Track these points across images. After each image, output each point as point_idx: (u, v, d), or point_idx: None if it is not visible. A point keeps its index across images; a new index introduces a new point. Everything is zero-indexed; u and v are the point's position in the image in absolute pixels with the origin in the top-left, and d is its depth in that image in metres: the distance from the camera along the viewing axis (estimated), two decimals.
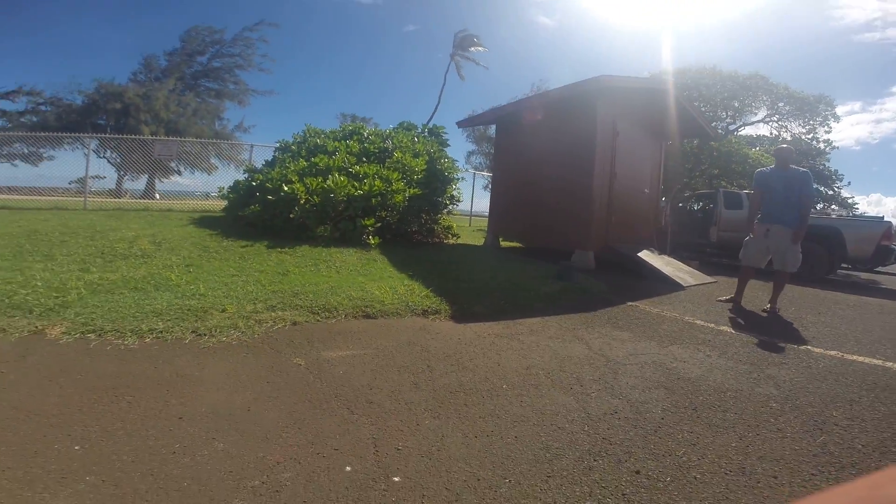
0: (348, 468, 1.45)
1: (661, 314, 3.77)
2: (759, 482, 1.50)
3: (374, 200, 5.89)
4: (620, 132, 6.16)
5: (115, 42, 43.02)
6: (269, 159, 8.44)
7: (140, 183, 17.67)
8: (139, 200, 11.87)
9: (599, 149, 5.85)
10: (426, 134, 8.69)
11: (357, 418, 1.76)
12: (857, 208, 23.01)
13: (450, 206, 7.67)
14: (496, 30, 69.32)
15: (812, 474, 1.56)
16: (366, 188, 5.90)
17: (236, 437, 1.58)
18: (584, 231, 5.78)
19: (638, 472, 1.53)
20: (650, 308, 3.96)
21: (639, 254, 5.77)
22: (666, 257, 6.25)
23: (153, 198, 13.36)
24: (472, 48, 30.84)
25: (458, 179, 7.72)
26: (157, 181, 17.15)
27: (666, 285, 5.00)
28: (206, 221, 6.89)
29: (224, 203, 7.85)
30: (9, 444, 1.48)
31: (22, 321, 2.57)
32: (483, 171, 20.93)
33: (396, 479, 1.42)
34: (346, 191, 5.80)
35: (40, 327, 2.51)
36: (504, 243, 7.55)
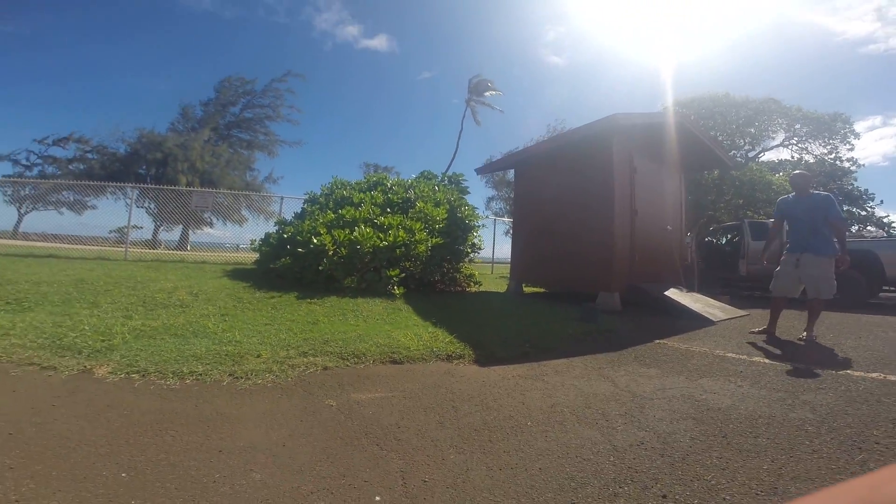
0: (377, 498, 1.51)
1: (690, 350, 3.70)
2: (792, 500, 1.47)
3: (398, 251, 6.10)
4: (638, 169, 6.23)
5: (155, 90, 47.81)
6: (298, 211, 8.81)
7: (174, 234, 18.53)
8: (174, 252, 12.38)
9: (618, 187, 5.91)
10: (446, 182, 8.94)
11: (386, 454, 1.82)
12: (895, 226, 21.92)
13: (471, 255, 7.79)
14: (509, 72, 73.14)
15: None
16: (390, 239, 6.13)
17: (273, 469, 1.67)
18: (608, 272, 5.75)
19: (665, 497, 1.52)
20: (678, 344, 3.90)
21: (666, 292, 5.69)
22: (695, 294, 6.13)
23: (186, 249, 13.91)
24: (487, 92, 31.41)
25: (478, 227, 7.84)
26: (190, 232, 17.98)
27: (695, 322, 4.89)
28: (238, 274, 7.21)
29: (255, 255, 8.22)
30: (60, 469, 1.61)
31: (71, 361, 2.79)
32: (504, 216, 21.13)
33: None
34: (372, 242, 6.04)
35: (88, 367, 2.71)
36: (528, 289, 7.55)
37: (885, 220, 22.02)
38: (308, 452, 1.81)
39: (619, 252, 5.80)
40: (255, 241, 8.24)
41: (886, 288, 7.65)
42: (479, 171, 10.17)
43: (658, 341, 4.02)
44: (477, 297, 6.57)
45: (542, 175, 7.11)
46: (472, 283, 7.50)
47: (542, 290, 7.59)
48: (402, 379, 2.83)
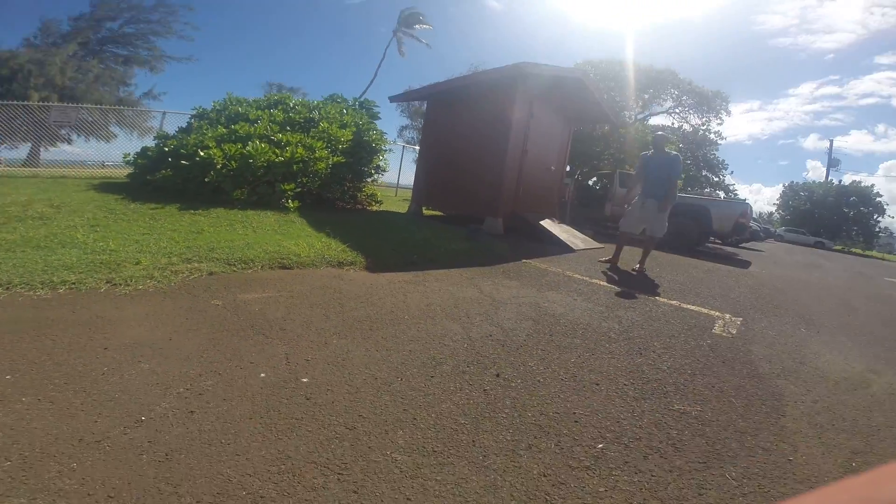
0: (262, 374, 1.76)
1: (548, 269, 4.40)
2: (583, 386, 1.99)
3: (295, 167, 5.96)
4: (535, 114, 6.75)
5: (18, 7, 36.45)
6: (184, 126, 8.05)
7: (20, 152, 15.65)
8: (22, 168, 10.65)
9: (515, 128, 6.39)
10: (356, 107, 8.88)
11: (271, 341, 2.06)
12: (738, 194, 26.51)
13: (375, 176, 7.93)
14: (445, 9, 68.94)
15: (623, 384, 2.05)
16: (287, 155, 5.94)
17: (160, 360, 1.81)
18: (496, 200, 6.37)
19: (498, 375, 1.99)
20: (540, 265, 4.59)
21: (541, 222, 6.49)
22: (564, 226, 7.06)
23: (37, 166, 12.02)
24: (418, 25, 30.88)
25: (385, 151, 8.00)
26: (42, 149, 15.35)
27: (559, 248, 5.73)
28: (108, 187, 6.48)
29: (129, 170, 7.39)
30: None
31: None
32: (415, 145, 21.08)
33: (305, 379, 1.75)
34: (267, 157, 5.80)
35: None
36: (428, 212, 7.97)
37: (730, 187, 26.49)
38: (195, 344, 1.97)
39: (507, 184, 6.41)
40: (130, 154, 7.34)
41: (713, 239, 9.43)
42: (392, 98, 10.04)
43: (525, 261, 4.68)
44: (376, 215, 6.81)
45: (452, 109, 7.34)
46: (373, 203, 7.71)
47: (440, 213, 8.06)
48: (291, 282, 3.01)
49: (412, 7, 31.11)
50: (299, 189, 5.97)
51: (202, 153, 5.72)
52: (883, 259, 29.76)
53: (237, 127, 6.46)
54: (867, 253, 34.01)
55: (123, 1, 25.72)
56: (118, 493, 1.11)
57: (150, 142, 7.71)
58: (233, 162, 5.68)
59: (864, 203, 35.09)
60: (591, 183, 12.15)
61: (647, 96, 24.78)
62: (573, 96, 7.42)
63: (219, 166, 5.61)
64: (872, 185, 35.25)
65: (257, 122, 6.80)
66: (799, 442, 1.71)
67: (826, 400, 2.12)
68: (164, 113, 10.29)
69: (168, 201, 5.31)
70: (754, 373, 2.37)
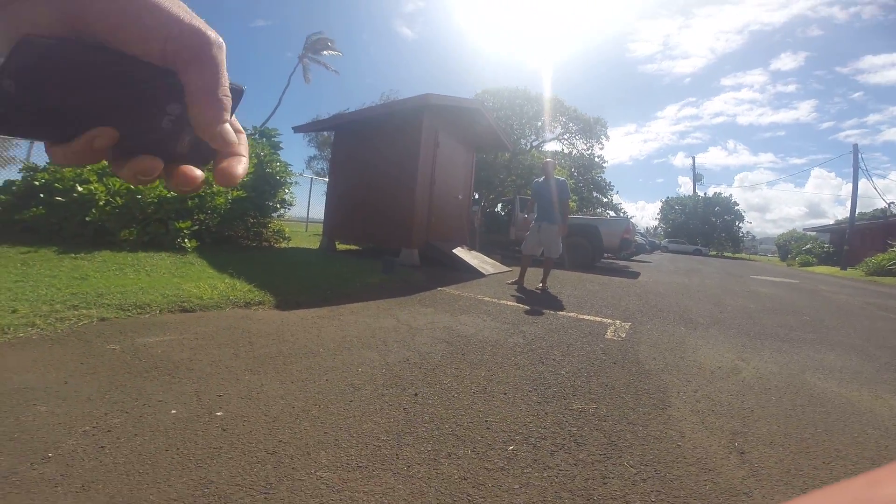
0: (174, 411, 1.70)
1: (461, 295, 4.66)
2: (493, 397, 2.16)
3: (190, 202, 5.64)
4: (441, 144, 7.13)
5: None
6: None
7: None
8: None
9: (423, 159, 6.70)
10: (257, 136, 8.58)
11: (179, 381, 1.98)
12: (626, 212, 29.94)
13: (281, 211, 7.72)
14: (357, 36, 70.16)
15: (528, 391, 2.25)
16: None
17: (58, 401, 1.68)
18: (409, 231, 6.57)
19: (416, 395, 2.10)
20: (454, 291, 4.85)
21: (453, 250, 6.82)
22: (475, 252, 7.49)
23: None
24: (326, 52, 31.14)
25: (290, 184, 7.81)
26: None
27: (471, 274, 6.08)
28: None
29: None
30: None
31: None
32: (324, 176, 20.83)
33: (219, 413, 1.72)
34: (157, 192, 5.44)
35: None
36: (341, 246, 7.90)
37: (618, 206, 29.83)
38: (94, 386, 1.84)
39: (418, 215, 6.66)
40: None
41: (607, 255, 10.52)
42: (296, 129, 9.62)
43: (440, 288, 4.91)
44: (285, 252, 6.63)
45: (360, 140, 7.47)
46: (280, 240, 7.46)
47: (354, 247, 8.03)
48: (194, 324, 2.87)
49: (320, 32, 31.39)
50: (196, 227, 5.66)
51: (81, 188, 5.22)
52: (750, 259, 35.05)
53: None
54: (736, 255, 40.10)
55: None
56: None
57: (14, 174, 6.81)
58: (118, 198, 5.24)
59: (726, 212, 41.46)
60: (498, 209, 12.97)
61: (539, 123, 26.87)
62: (474, 126, 7.99)
63: (102, 203, 5.14)
64: (730, 196, 41.81)
65: None
66: (685, 428, 1.94)
67: (705, 388, 2.44)
68: (32, 142, 9.12)
69: (42, 244, 4.75)
70: (642, 370, 2.68)
